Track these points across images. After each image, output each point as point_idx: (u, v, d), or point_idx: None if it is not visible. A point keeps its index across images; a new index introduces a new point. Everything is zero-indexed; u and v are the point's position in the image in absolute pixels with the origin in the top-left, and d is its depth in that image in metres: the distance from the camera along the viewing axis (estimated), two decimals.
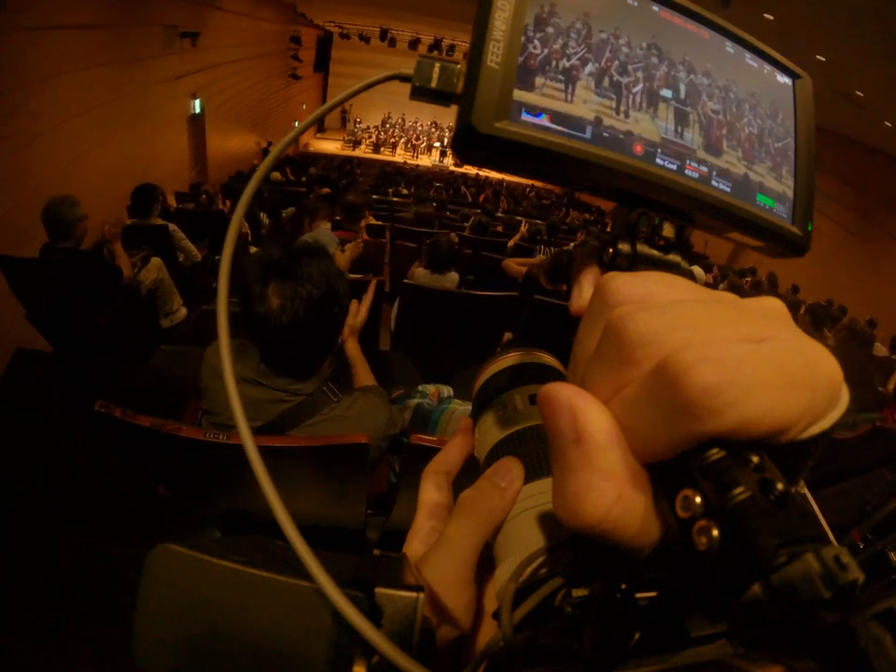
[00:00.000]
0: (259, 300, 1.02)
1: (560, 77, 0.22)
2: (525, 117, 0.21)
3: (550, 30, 0.22)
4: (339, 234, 3.20)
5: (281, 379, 1.11)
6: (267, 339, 1.07)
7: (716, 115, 0.25)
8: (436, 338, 2.49)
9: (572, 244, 4.98)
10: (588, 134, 0.22)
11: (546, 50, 0.22)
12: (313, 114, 0.25)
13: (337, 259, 2.26)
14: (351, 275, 2.20)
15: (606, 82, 0.23)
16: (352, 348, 1.46)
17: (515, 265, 3.37)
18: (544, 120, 0.21)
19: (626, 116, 0.23)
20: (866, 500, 1.53)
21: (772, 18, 6.06)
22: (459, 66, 0.22)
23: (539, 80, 0.22)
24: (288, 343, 1.06)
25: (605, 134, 0.22)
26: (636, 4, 0.23)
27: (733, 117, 0.25)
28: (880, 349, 4.94)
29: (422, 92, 0.23)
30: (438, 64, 0.22)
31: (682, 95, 0.24)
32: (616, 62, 0.23)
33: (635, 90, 0.23)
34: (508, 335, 2.69)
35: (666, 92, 0.24)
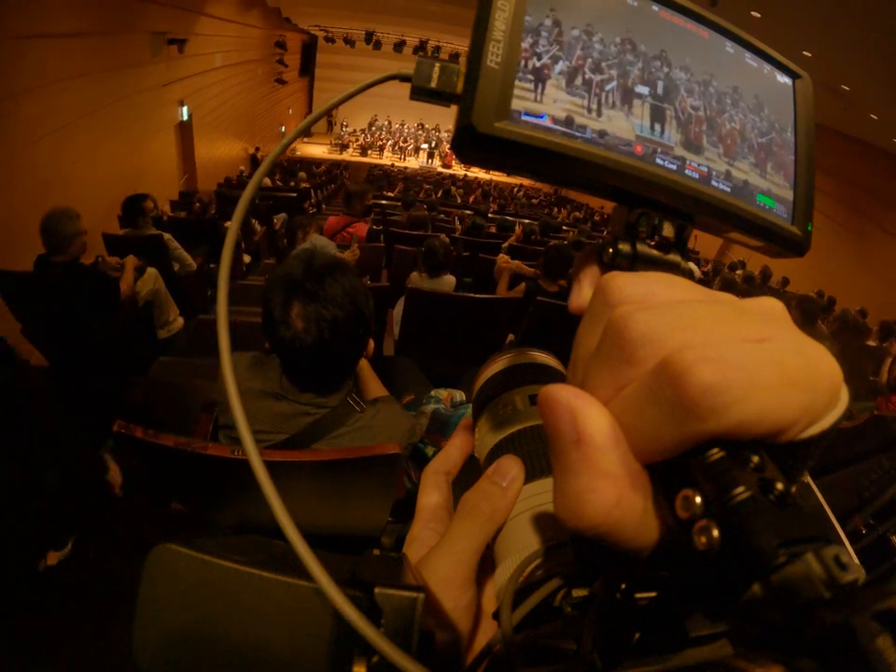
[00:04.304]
0: (283, 323, 1.00)
1: (529, 76, 0.22)
2: (526, 117, 0.21)
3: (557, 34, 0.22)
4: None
5: (305, 394, 1.09)
6: (292, 359, 1.06)
7: (695, 111, 0.24)
8: (441, 342, 2.48)
9: (566, 241, 4.99)
10: (589, 134, 0.22)
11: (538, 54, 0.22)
12: (308, 117, 0.24)
13: None
14: None
15: (578, 80, 0.22)
16: (361, 361, 1.43)
17: (506, 290, 3.25)
18: (546, 121, 0.21)
19: (599, 114, 0.22)
20: (864, 487, 1.55)
21: (759, 15, 6.10)
22: (459, 66, 0.22)
23: None
24: (314, 364, 1.05)
25: (606, 135, 0.22)
26: (635, 3, 0.23)
27: (713, 112, 0.25)
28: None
29: (422, 92, 0.23)
30: (438, 65, 0.22)
31: (659, 91, 0.24)
32: (589, 59, 0.23)
33: (608, 87, 0.23)
34: (511, 337, 2.68)
35: (642, 89, 0.23)
